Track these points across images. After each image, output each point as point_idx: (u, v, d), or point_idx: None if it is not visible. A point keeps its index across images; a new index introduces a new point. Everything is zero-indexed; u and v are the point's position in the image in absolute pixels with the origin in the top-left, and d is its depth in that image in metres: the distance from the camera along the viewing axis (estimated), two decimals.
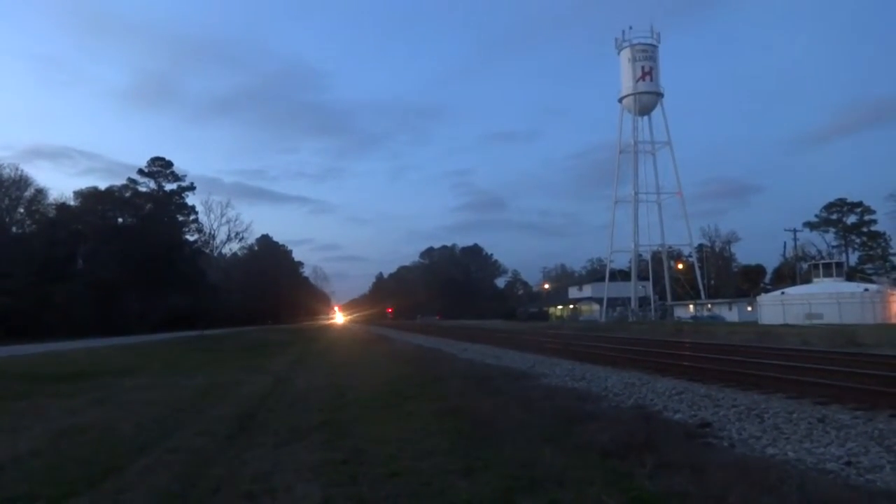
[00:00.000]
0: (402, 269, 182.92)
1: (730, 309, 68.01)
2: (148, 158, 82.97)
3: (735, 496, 5.03)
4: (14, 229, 62.44)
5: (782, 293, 55.81)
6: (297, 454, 7.13)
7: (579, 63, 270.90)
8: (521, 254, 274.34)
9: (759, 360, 15.65)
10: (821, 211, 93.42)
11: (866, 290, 50.74)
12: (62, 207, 66.76)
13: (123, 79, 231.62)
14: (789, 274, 74.98)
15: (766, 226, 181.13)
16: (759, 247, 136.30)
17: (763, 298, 58.28)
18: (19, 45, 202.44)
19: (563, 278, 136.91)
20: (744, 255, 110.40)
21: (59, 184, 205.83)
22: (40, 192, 65.17)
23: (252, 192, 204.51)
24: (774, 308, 53.15)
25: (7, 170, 60.56)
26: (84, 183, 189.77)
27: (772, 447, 7.43)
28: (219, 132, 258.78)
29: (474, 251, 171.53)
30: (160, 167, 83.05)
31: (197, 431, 8.59)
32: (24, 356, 25.18)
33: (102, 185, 76.19)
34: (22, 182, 62.77)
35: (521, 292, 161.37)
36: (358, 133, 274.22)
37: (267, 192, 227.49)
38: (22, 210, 64.02)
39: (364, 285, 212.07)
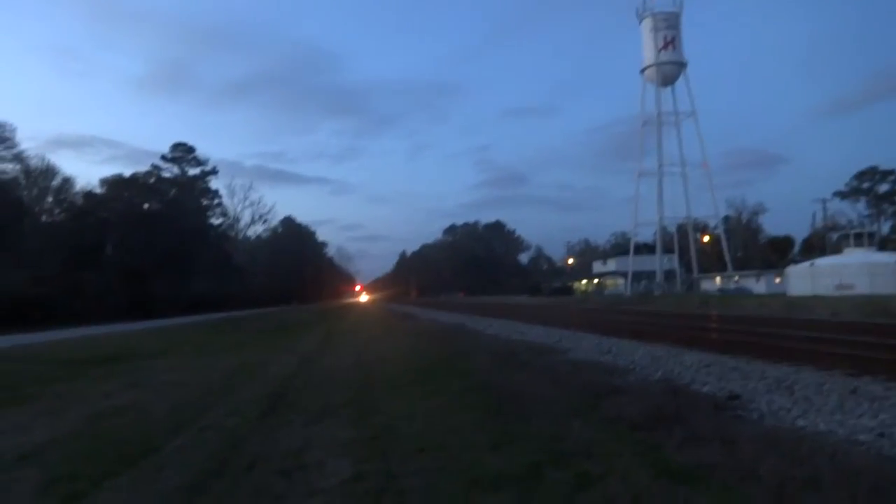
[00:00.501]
0: (426, 247, 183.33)
1: (757, 281, 67.21)
2: (168, 144, 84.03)
3: (765, 468, 5.01)
4: (43, 218, 63.56)
5: (811, 264, 54.94)
6: (327, 431, 7.24)
7: (598, 35, 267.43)
8: (544, 229, 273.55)
9: (789, 332, 15.49)
10: (851, 180, 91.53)
11: None
12: (89, 195, 67.71)
13: (139, 66, 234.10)
14: (818, 244, 73.78)
15: (794, 196, 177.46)
16: (787, 218, 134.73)
17: (791, 270, 57.45)
18: (35, 36, 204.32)
19: (587, 253, 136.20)
20: (772, 226, 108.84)
21: (83, 172, 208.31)
22: (67, 181, 66.18)
23: (273, 174, 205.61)
24: (803, 279, 52.39)
25: (34, 160, 61.52)
26: (107, 170, 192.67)
27: (802, 419, 7.36)
28: (236, 116, 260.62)
29: (497, 227, 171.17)
30: (182, 153, 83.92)
31: (228, 411, 8.75)
32: (57, 341, 25.77)
33: (125, 172, 77.05)
34: (49, 171, 63.77)
35: (545, 268, 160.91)
36: (375, 112, 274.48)
37: (287, 174, 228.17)
38: (50, 199, 65.07)
39: (387, 264, 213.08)
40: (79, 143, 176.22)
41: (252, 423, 7.89)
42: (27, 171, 60.00)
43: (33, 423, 8.45)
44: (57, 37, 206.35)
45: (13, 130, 53.36)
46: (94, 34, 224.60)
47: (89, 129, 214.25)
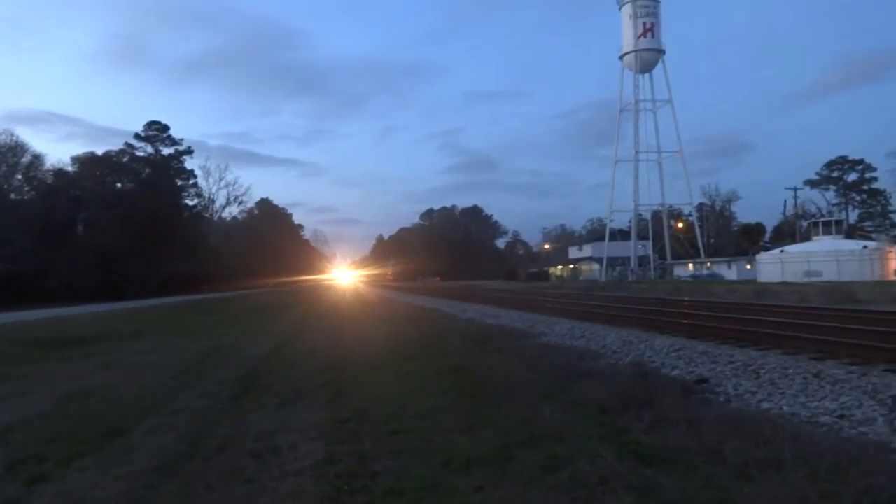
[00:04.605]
0: (403, 231, 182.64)
1: (729, 267, 68.22)
2: (127, 122, 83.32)
3: (730, 449, 5.13)
4: (12, 196, 62.26)
5: (781, 251, 55.92)
6: (300, 414, 7.25)
7: (564, 19, 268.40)
8: (520, 214, 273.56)
9: (757, 318, 15.77)
10: (822, 168, 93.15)
11: (865, 247, 50.80)
12: (59, 173, 66.48)
13: (92, 42, 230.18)
14: (789, 232, 75.07)
15: (767, 184, 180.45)
16: (759, 205, 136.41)
17: (762, 257, 58.44)
18: None
19: (563, 238, 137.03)
20: (744, 213, 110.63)
21: (42, 149, 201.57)
22: (37, 159, 64.98)
23: (238, 154, 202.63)
24: (773, 266, 53.32)
25: (3, 136, 60.15)
26: (66, 148, 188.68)
27: (767, 402, 7.55)
28: (196, 94, 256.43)
29: (474, 212, 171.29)
30: (157, 131, 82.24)
31: (201, 393, 8.71)
32: (26, 322, 25.37)
33: (86, 150, 75.76)
34: (18, 148, 62.53)
35: (521, 253, 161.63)
36: (338, 94, 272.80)
37: (253, 155, 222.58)
38: (20, 177, 63.79)
39: (363, 248, 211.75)
40: (35, 120, 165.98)
41: (224, 406, 7.87)
42: None
43: (0, 404, 8.34)
44: (5, 10, 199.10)
45: None
46: (44, 8, 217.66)
47: (45, 104, 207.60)
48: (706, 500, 4.19)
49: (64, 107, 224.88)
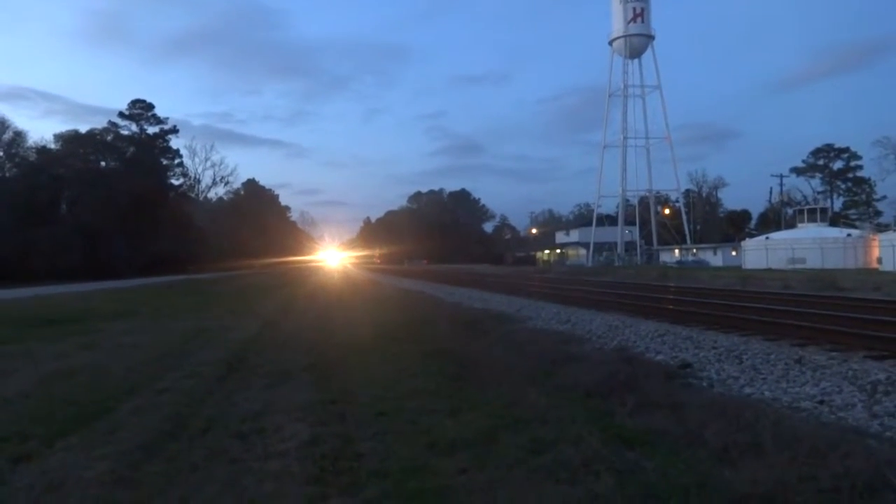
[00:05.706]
0: (390, 214, 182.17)
1: (714, 254, 68.78)
2: (108, 99, 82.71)
3: (711, 433, 5.19)
4: None
5: (766, 238, 56.42)
6: (285, 395, 7.25)
7: (551, 2, 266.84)
8: (507, 198, 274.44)
9: (741, 304, 15.91)
10: (808, 156, 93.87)
11: (849, 235, 51.34)
12: (43, 151, 65.60)
13: (72, 18, 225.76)
14: (774, 219, 75.71)
15: (753, 171, 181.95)
16: (746, 192, 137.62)
17: (747, 243, 58.92)
18: None
19: (551, 223, 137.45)
20: (730, 200, 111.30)
21: (21, 126, 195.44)
22: (19, 136, 63.99)
23: (221, 134, 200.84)
24: (758, 253, 53.80)
25: None
26: (45, 125, 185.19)
27: (749, 387, 7.64)
28: (178, 73, 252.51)
29: (462, 196, 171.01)
30: (141, 109, 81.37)
31: (186, 374, 8.69)
32: (10, 300, 25.12)
33: (67, 128, 74.78)
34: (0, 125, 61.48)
35: (508, 237, 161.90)
36: (322, 74, 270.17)
37: (237, 135, 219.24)
38: (1, 153, 62.86)
39: (350, 230, 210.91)
40: (12, 96, 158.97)
41: (210, 386, 7.85)
42: None
43: None
44: None
45: None
46: None
47: (23, 81, 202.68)
48: (687, 482, 4.24)
49: (43, 83, 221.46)
